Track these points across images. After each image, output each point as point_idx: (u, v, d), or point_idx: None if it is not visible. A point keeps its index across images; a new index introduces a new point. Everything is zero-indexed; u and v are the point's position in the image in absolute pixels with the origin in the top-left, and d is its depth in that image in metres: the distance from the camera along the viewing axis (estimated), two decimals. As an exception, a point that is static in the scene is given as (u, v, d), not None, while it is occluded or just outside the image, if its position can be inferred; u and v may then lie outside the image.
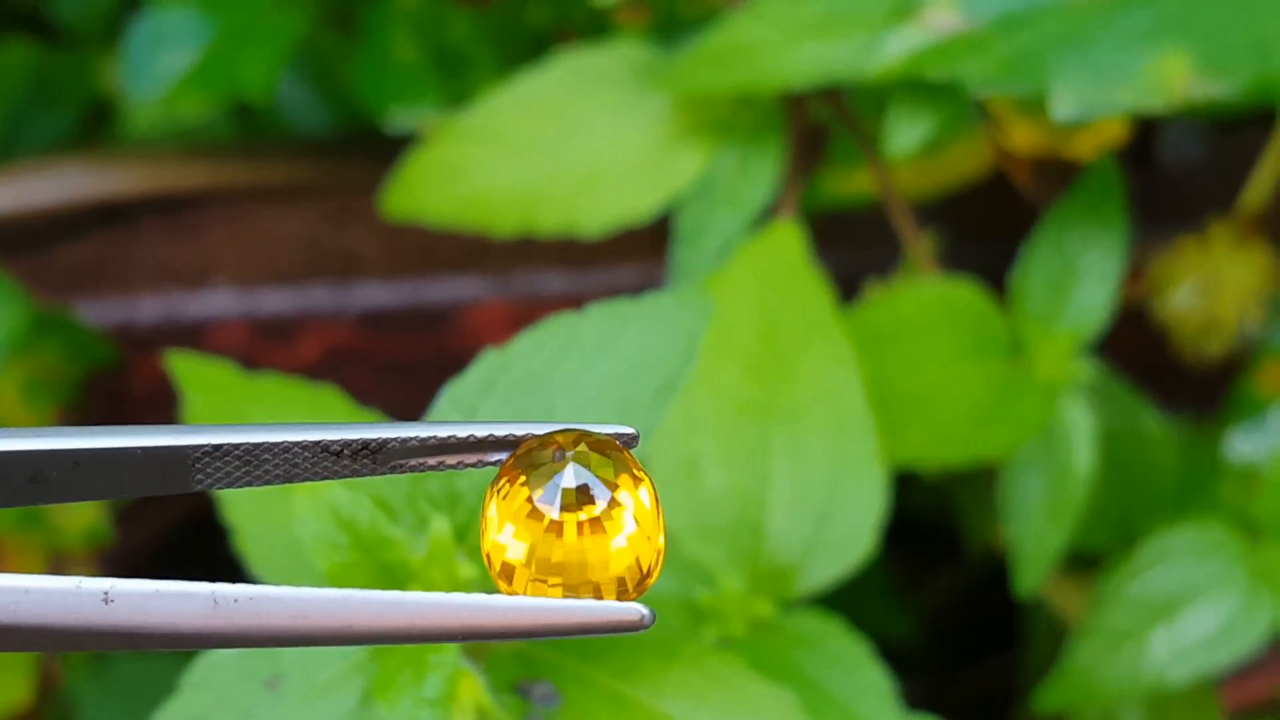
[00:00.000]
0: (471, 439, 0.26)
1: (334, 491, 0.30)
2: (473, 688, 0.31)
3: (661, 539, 0.26)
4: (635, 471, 0.26)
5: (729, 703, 0.33)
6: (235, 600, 0.24)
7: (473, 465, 0.26)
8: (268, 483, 0.26)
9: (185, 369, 0.39)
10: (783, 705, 0.34)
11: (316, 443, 0.26)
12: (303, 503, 0.30)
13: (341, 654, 0.30)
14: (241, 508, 0.36)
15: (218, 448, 0.26)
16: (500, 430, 0.26)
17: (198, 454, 0.26)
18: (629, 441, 0.26)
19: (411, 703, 0.29)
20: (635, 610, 0.25)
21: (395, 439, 0.26)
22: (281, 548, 0.35)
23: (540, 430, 0.26)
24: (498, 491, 0.25)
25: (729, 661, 0.34)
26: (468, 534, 0.31)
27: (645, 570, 0.25)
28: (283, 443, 0.26)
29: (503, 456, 0.26)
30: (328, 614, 0.25)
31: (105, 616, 0.25)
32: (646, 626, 0.24)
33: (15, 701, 0.52)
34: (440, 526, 0.30)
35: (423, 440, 0.26)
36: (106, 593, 0.25)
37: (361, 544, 0.30)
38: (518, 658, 0.32)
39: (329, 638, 0.25)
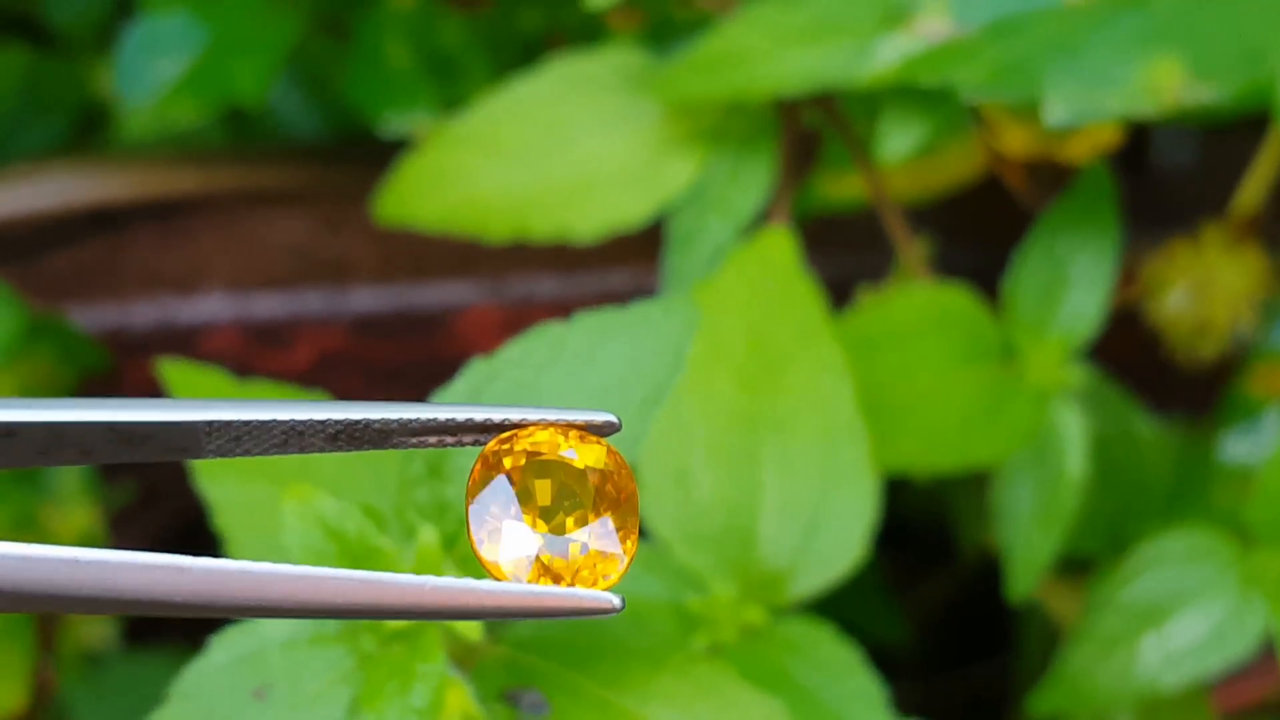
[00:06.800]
0: (470, 422, 0.27)
1: (323, 502, 0.30)
2: (460, 697, 0.31)
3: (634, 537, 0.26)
4: (612, 495, 0.26)
5: (717, 710, 0.33)
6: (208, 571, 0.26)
7: (470, 444, 0.27)
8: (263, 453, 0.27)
9: (175, 375, 0.39)
10: (771, 713, 0.34)
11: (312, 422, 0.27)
12: (291, 513, 0.30)
13: (329, 664, 0.30)
14: (231, 515, 0.36)
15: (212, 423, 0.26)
16: (497, 415, 0.27)
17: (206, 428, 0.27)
18: (608, 430, 0.27)
19: (399, 712, 0.29)
20: (606, 599, 0.26)
21: (383, 420, 0.27)
22: (272, 556, 0.35)
23: (517, 417, 0.26)
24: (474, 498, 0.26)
25: (718, 669, 0.34)
26: (456, 543, 0.31)
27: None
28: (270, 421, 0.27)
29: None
30: (306, 589, 0.26)
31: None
32: (618, 612, 0.25)
33: (10, 707, 0.52)
34: (428, 536, 0.30)
35: (411, 423, 0.27)
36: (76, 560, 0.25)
37: (349, 554, 0.30)
38: (506, 666, 0.32)
39: (304, 611, 0.26)
